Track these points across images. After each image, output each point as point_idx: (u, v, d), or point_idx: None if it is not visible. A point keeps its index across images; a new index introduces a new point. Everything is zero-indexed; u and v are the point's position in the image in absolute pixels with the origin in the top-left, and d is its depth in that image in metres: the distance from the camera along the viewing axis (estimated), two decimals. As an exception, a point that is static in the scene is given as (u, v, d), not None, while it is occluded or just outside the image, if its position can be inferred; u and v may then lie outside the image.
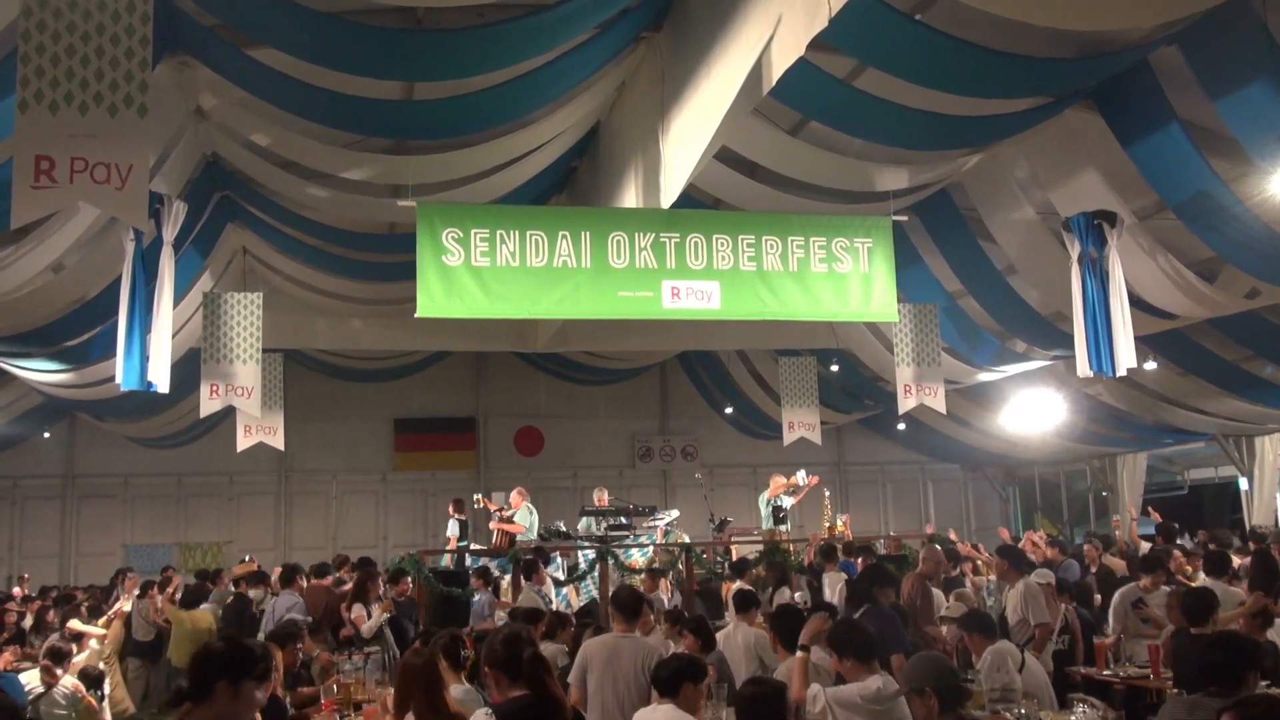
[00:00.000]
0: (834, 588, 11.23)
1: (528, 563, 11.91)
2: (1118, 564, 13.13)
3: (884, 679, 5.55)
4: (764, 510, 15.19)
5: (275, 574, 12.58)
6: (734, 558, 13.96)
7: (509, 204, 10.68)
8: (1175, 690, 6.63)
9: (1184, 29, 8.01)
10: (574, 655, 7.53)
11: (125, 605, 12.28)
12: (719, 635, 7.93)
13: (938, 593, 10.39)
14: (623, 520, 15.05)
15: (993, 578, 11.68)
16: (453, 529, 15.75)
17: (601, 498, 15.84)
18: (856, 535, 15.49)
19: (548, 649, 8.06)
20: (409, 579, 11.35)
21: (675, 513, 16.40)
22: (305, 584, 11.62)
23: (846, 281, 9.76)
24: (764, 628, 7.74)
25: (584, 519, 15.43)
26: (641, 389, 24.23)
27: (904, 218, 10.82)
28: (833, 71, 8.54)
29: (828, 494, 16.30)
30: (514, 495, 14.84)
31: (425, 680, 4.89)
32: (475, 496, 15.82)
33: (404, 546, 18.15)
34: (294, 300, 15.07)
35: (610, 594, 7.42)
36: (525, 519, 14.49)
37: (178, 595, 12.47)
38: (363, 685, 7.77)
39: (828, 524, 15.34)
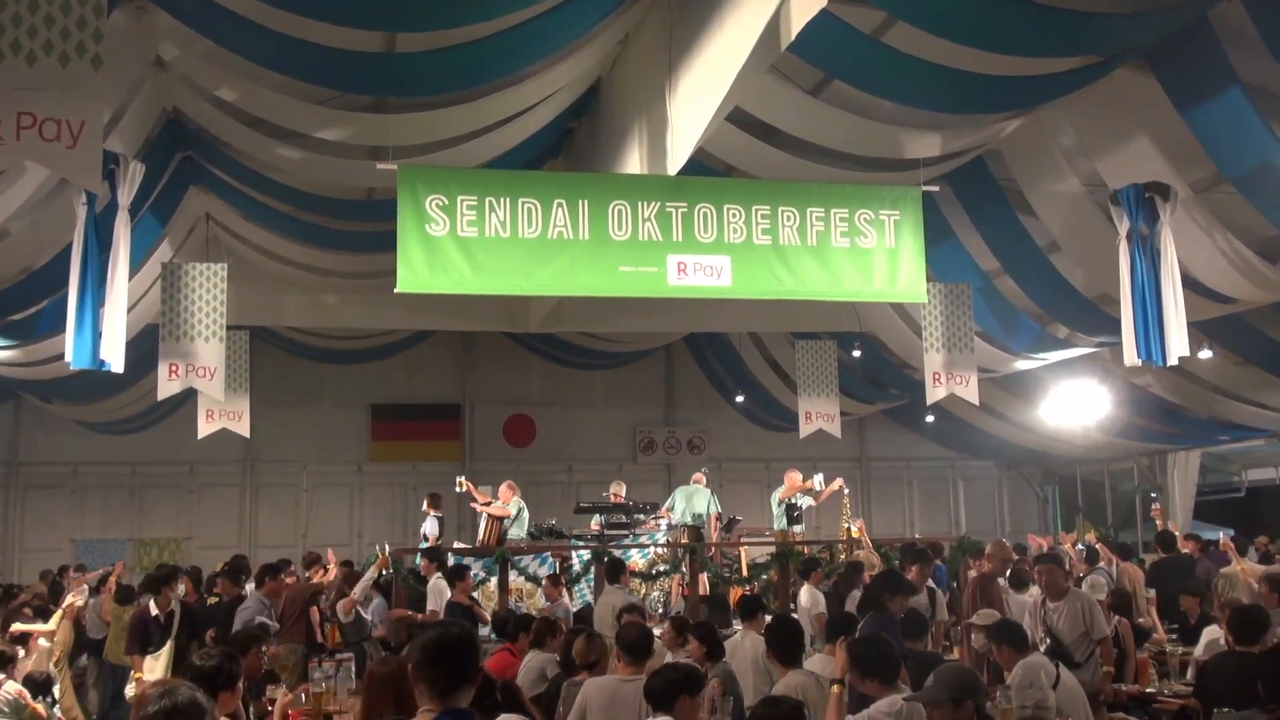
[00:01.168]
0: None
1: (613, 561, 11.96)
2: (1135, 573, 13.14)
3: (904, 691, 5.59)
4: (776, 509, 15.25)
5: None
6: (744, 560, 14.03)
7: (500, 169, 10.69)
8: (1225, 710, 6.68)
9: (1247, -18, 8.00)
10: (564, 664, 7.57)
11: (77, 600, 12.33)
12: (728, 642, 7.97)
13: (1026, 596, 10.03)
14: (623, 519, 15.11)
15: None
16: (431, 527, 15.75)
17: (618, 492, 15.90)
18: (879, 538, 15.50)
19: (536, 658, 8.11)
20: (471, 575, 11.40)
21: (679, 511, 16.46)
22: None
23: (871, 258, 9.78)
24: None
25: (596, 515, 15.48)
26: (644, 375, 24.26)
27: (935, 188, 10.82)
28: (859, 25, 8.53)
29: (847, 493, 16.34)
30: (503, 489, 14.91)
31: (396, 692, 4.86)
32: (458, 479, 15.84)
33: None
34: (262, 273, 15.09)
35: (616, 632, 7.44)
36: (516, 516, 14.56)
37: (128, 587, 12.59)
38: (334, 695, 7.83)
39: (847, 525, 15.39)
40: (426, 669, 3.64)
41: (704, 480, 15.71)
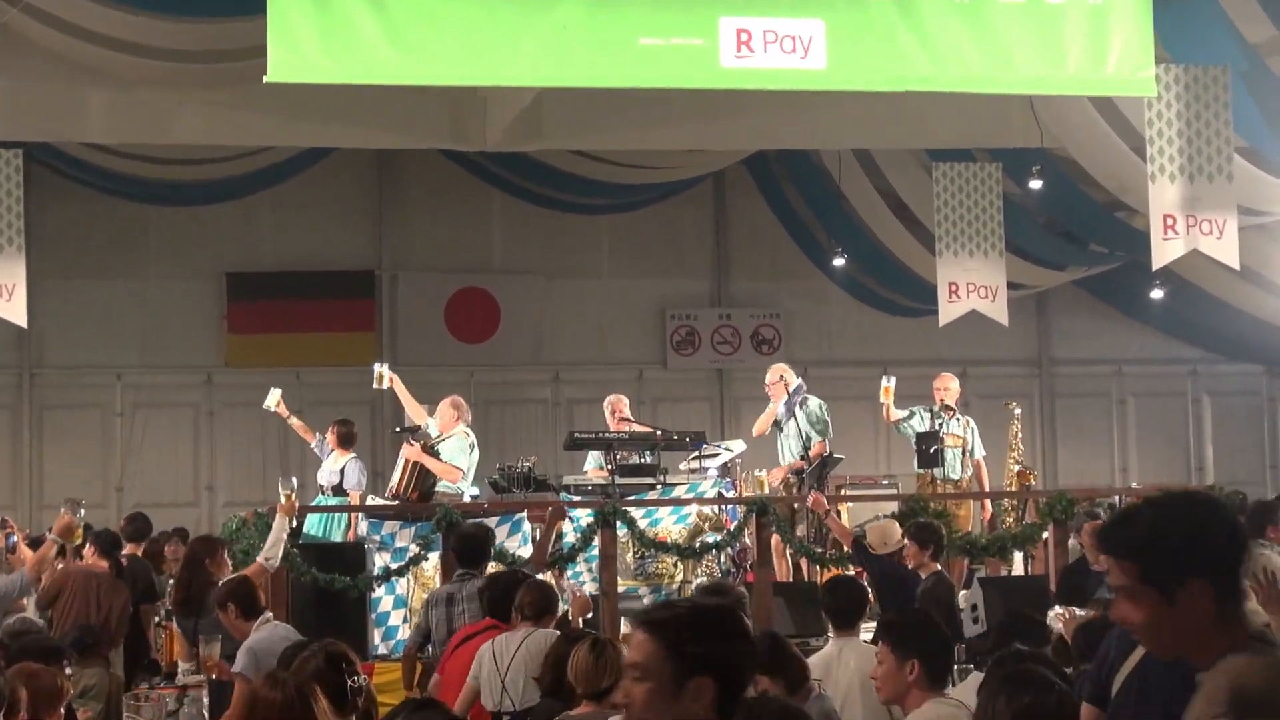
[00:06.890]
0: None
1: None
2: None
3: None
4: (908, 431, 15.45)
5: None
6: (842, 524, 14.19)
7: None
8: None
9: None
10: (551, 688, 7.71)
11: None
12: (814, 661, 8.09)
13: None
14: (643, 459, 15.16)
15: None
16: (353, 477, 15.66)
17: (618, 409, 15.94)
18: (1070, 489, 15.61)
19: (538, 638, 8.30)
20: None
21: (739, 444, 16.51)
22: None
23: (1060, 21, 9.75)
24: None
25: (597, 454, 15.53)
26: (679, 224, 24.33)
27: (1172, -97, 10.73)
28: None
29: (1018, 412, 16.38)
30: (444, 408, 14.89)
31: None
32: (377, 367, 15.86)
33: (243, 504, 18.31)
34: (45, 54, 15.04)
35: None
36: (461, 455, 14.50)
37: None
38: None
39: (1017, 465, 15.49)
40: None
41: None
